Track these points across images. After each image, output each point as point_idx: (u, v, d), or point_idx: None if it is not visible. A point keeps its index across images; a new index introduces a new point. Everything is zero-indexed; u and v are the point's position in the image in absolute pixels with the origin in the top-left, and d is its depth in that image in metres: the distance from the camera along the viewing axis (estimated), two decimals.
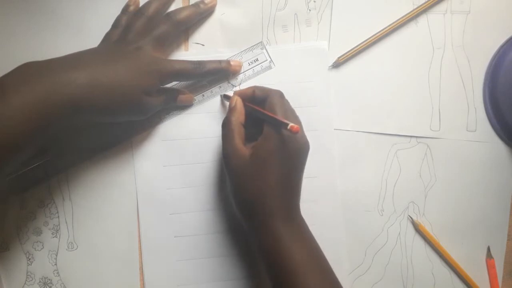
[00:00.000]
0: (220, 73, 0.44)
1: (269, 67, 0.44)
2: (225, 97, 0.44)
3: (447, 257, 0.45)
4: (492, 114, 0.45)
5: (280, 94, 0.40)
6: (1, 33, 0.44)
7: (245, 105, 0.41)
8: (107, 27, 0.43)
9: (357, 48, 0.44)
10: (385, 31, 0.44)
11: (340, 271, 0.44)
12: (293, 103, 0.44)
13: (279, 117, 0.38)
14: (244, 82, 0.45)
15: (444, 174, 0.45)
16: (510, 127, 0.44)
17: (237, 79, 0.45)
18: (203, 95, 0.44)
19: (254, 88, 0.41)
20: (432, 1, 0.45)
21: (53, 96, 0.34)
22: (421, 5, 0.45)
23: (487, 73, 0.45)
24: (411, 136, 0.45)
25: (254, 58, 0.45)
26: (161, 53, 0.42)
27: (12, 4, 0.44)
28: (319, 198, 0.45)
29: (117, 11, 0.44)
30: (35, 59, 0.44)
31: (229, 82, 0.44)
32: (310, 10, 0.45)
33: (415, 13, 0.45)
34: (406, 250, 0.45)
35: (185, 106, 0.44)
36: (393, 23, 0.45)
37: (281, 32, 0.45)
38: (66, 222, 0.45)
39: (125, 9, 0.43)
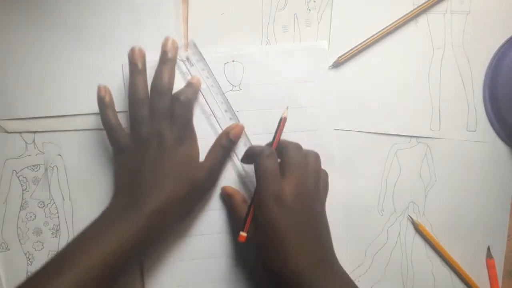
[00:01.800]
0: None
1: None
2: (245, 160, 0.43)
3: (447, 257, 0.45)
4: (492, 114, 0.45)
5: (264, 155, 0.38)
6: (1, 33, 0.44)
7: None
8: (107, 27, 0.43)
9: (357, 48, 0.44)
10: (385, 31, 0.44)
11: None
12: (293, 103, 0.44)
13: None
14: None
15: (444, 174, 0.45)
16: (510, 127, 0.44)
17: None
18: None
19: (244, 155, 0.41)
20: (432, 1, 0.45)
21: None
22: (421, 5, 0.45)
23: (487, 73, 0.45)
24: (411, 136, 0.45)
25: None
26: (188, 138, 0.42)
27: (12, 4, 0.44)
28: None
29: (117, 12, 0.44)
30: (35, 59, 0.44)
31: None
32: (310, 10, 0.45)
33: (415, 13, 0.45)
34: (406, 250, 0.45)
35: None
36: (393, 23, 0.44)
37: (281, 32, 0.45)
38: (66, 222, 0.45)
39: (102, 104, 0.41)
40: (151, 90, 0.41)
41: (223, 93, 0.44)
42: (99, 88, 0.41)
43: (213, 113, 0.44)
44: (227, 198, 0.43)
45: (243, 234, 0.38)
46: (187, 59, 0.43)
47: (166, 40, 0.42)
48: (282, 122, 0.41)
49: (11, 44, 0.44)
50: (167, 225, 0.39)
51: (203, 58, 0.44)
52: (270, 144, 0.40)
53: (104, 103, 0.41)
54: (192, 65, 0.43)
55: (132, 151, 0.40)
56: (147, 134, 0.40)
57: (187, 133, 0.41)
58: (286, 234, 0.36)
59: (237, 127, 0.43)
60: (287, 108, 0.42)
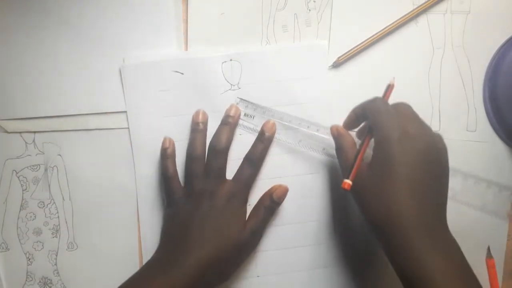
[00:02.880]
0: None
1: None
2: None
3: None
4: (492, 114, 0.45)
5: (377, 99, 0.38)
6: (1, 33, 0.44)
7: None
8: (107, 27, 0.43)
9: (357, 48, 0.44)
10: (385, 31, 0.44)
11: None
12: (292, 103, 0.44)
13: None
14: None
15: None
16: (510, 127, 0.44)
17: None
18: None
19: (352, 111, 0.40)
20: (432, 1, 0.45)
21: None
22: (421, 5, 0.45)
23: (487, 73, 0.45)
24: None
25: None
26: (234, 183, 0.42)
27: (12, 4, 0.44)
28: (319, 194, 0.45)
29: (116, 11, 0.44)
30: (35, 59, 0.44)
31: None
32: (310, 10, 0.45)
33: (415, 13, 0.45)
34: None
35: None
36: (393, 23, 0.44)
37: (281, 32, 0.45)
38: (66, 222, 0.45)
39: (164, 155, 0.43)
40: (208, 149, 0.42)
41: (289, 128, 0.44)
42: (164, 139, 0.43)
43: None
44: (338, 137, 0.40)
45: (348, 181, 0.36)
46: (246, 115, 0.44)
47: (230, 107, 0.44)
48: (389, 89, 0.40)
49: (11, 44, 0.44)
50: (206, 286, 0.39)
51: (255, 104, 0.44)
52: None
53: (166, 154, 0.43)
54: (252, 117, 0.44)
55: (183, 205, 0.41)
56: (200, 190, 0.41)
57: (242, 194, 0.42)
58: (403, 178, 0.33)
59: (280, 187, 0.44)
60: (394, 78, 0.40)
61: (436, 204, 0.35)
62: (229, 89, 0.44)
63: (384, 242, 0.35)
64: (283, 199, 0.44)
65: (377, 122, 0.36)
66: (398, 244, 0.33)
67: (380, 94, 0.45)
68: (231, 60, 0.44)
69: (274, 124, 0.43)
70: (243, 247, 0.41)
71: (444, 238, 0.35)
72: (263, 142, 0.43)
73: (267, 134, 0.43)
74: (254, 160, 0.42)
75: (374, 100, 0.38)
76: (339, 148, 0.40)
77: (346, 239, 0.45)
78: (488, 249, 0.45)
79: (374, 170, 0.35)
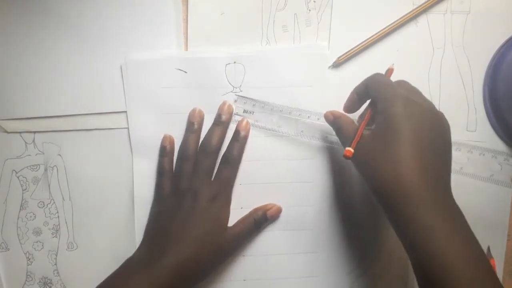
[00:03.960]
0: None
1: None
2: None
3: None
4: (492, 114, 0.45)
5: (377, 74, 0.38)
6: (1, 33, 0.44)
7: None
8: (107, 27, 0.43)
9: (357, 48, 0.44)
10: (385, 31, 0.44)
11: (339, 272, 0.45)
12: (292, 104, 0.44)
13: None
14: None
15: None
16: (510, 127, 0.44)
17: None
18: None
19: (354, 91, 0.40)
20: (432, 1, 0.45)
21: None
22: (421, 5, 0.45)
23: (487, 73, 0.45)
24: None
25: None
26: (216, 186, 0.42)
27: (12, 4, 0.44)
28: (318, 197, 0.45)
29: (116, 11, 0.44)
30: (34, 59, 0.44)
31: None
32: (309, 10, 0.45)
33: (415, 13, 0.45)
34: None
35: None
36: (393, 23, 0.44)
37: (281, 32, 0.45)
38: (66, 222, 0.45)
39: (163, 152, 0.43)
40: (199, 149, 0.43)
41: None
42: (164, 137, 0.44)
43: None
44: (334, 120, 0.40)
45: (350, 149, 0.35)
46: (245, 111, 0.44)
47: (223, 104, 0.44)
48: (389, 72, 0.40)
49: (11, 44, 0.44)
50: (183, 285, 0.39)
51: (254, 99, 0.44)
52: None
53: (164, 151, 0.43)
54: (252, 112, 0.44)
55: (167, 202, 0.42)
56: (185, 189, 0.41)
57: (224, 195, 0.42)
58: (408, 142, 0.32)
59: (275, 206, 0.44)
60: (393, 64, 0.40)
61: (442, 171, 0.34)
62: (231, 91, 0.44)
63: (389, 210, 0.34)
64: (275, 219, 0.44)
65: (380, 92, 0.36)
66: (403, 210, 0.32)
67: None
68: (234, 62, 0.44)
69: (248, 123, 0.44)
70: (223, 250, 0.42)
71: (450, 205, 0.34)
72: (238, 141, 0.43)
73: (242, 133, 0.43)
74: (232, 160, 0.43)
75: (375, 75, 0.38)
76: (338, 129, 0.39)
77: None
78: (488, 249, 0.45)
79: (378, 136, 0.34)
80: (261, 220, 0.43)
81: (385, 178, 0.33)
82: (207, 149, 0.42)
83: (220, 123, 0.43)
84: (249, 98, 0.44)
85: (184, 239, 0.39)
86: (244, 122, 0.44)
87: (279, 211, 0.44)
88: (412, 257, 0.33)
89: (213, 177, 0.43)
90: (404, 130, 0.33)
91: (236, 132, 0.44)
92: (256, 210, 0.44)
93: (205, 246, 0.40)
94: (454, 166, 0.36)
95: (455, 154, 0.36)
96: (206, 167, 0.42)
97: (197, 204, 0.41)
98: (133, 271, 0.39)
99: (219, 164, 0.43)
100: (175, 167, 0.43)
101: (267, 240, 0.44)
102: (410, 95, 0.35)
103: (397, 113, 0.34)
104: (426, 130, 0.34)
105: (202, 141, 0.43)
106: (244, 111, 0.44)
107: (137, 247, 0.42)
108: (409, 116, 0.34)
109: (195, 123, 0.43)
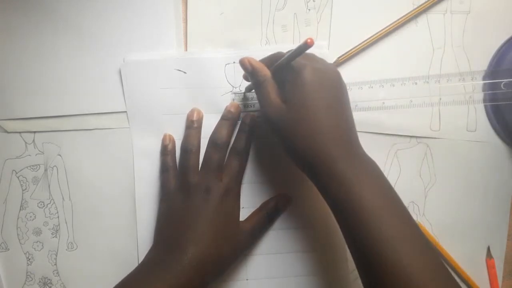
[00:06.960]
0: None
1: None
2: (247, 90, 0.44)
3: (447, 257, 0.45)
4: (492, 114, 0.45)
5: (279, 52, 0.39)
6: (1, 33, 0.44)
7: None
8: (107, 27, 0.43)
9: (357, 48, 0.44)
10: (385, 31, 0.44)
11: (340, 271, 0.45)
12: None
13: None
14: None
15: (444, 174, 0.45)
16: (510, 127, 0.44)
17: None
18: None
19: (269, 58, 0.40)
20: (432, 1, 0.44)
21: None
22: (421, 5, 0.45)
23: (487, 73, 0.45)
24: (411, 136, 0.45)
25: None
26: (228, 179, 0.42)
27: (12, 4, 0.44)
28: (318, 198, 0.45)
29: (116, 11, 0.44)
30: (35, 59, 0.44)
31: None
32: (309, 10, 0.45)
33: (415, 13, 0.45)
34: None
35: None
36: (393, 23, 0.44)
37: (281, 32, 0.45)
38: (66, 222, 0.45)
39: (164, 150, 0.43)
40: (208, 142, 0.42)
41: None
42: (164, 136, 0.44)
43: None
44: (252, 71, 0.39)
45: (311, 38, 0.33)
46: (246, 106, 0.44)
47: (231, 104, 0.44)
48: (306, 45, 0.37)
49: (11, 44, 0.44)
50: (203, 283, 0.39)
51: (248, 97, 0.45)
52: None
53: (166, 150, 0.43)
54: (253, 105, 0.45)
55: (176, 198, 0.41)
56: (195, 183, 0.41)
57: (235, 189, 0.42)
58: (320, 102, 0.35)
59: (285, 196, 0.44)
60: (312, 38, 0.37)
61: (352, 127, 0.37)
62: (230, 91, 0.44)
63: (309, 172, 0.36)
64: (286, 208, 0.44)
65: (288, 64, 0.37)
66: (321, 167, 0.35)
67: (380, 94, 0.45)
68: (234, 62, 0.44)
69: (254, 115, 0.44)
70: (240, 245, 0.41)
71: (362, 154, 0.37)
72: (246, 132, 0.43)
73: (248, 124, 0.43)
74: (241, 150, 0.43)
75: (277, 53, 0.40)
76: (257, 83, 0.39)
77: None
78: (488, 249, 0.45)
79: (290, 104, 0.36)
80: (273, 213, 0.43)
81: (299, 139, 0.36)
82: (218, 142, 0.42)
83: (229, 118, 0.43)
84: (249, 98, 0.44)
85: (201, 236, 0.39)
86: (250, 115, 0.44)
87: (289, 200, 0.44)
88: (333, 213, 0.36)
89: (222, 171, 0.42)
90: (315, 96, 0.36)
91: (243, 124, 0.43)
92: (266, 203, 0.44)
93: (223, 242, 0.40)
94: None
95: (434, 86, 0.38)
96: (217, 160, 0.41)
97: (211, 200, 0.40)
98: (151, 273, 0.38)
99: (228, 156, 0.43)
100: (180, 161, 0.43)
101: (270, 240, 0.44)
102: (315, 64, 0.37)
103: (306, 81, 0.36)
104: (333, 92, 0.36)
105: (212, 135, 0.43)
106: (245, 106, 0.44)
107: (137, 247, 0.42)
108: (318, 82, 0.36)
109: (195, 121, 0.43)
